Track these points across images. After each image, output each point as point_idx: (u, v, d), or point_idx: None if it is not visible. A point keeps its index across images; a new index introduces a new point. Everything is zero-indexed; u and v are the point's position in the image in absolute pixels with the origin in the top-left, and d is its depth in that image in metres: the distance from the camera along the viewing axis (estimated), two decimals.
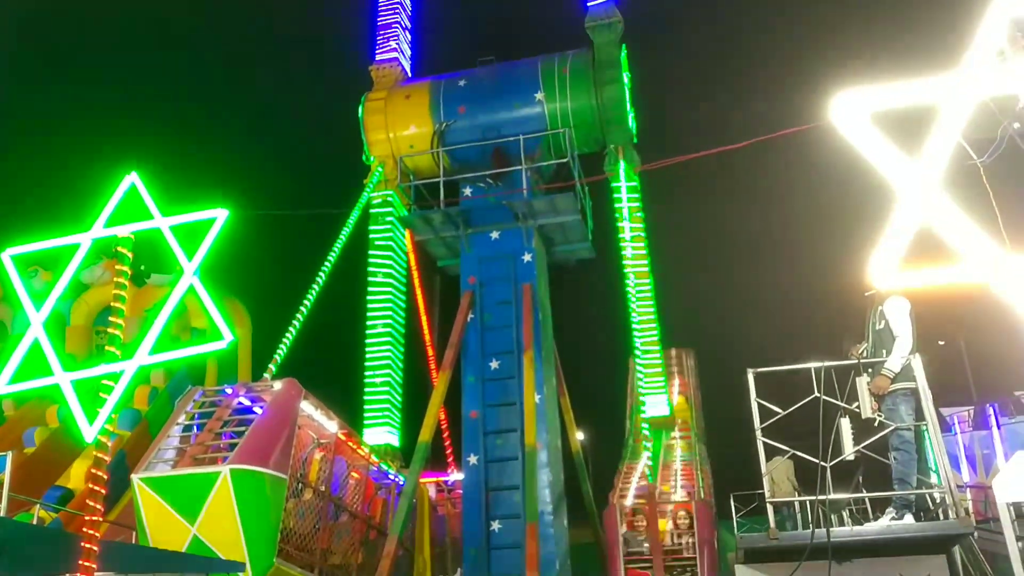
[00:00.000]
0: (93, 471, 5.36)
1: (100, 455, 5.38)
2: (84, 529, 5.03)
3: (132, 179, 6.21)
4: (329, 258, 12.93)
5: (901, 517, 7.90)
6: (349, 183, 15.27)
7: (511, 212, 13.38)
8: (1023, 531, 7.99)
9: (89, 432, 5.38)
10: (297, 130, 33.09)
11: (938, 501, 8.17)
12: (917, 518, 7.99)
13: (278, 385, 9.30)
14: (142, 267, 6.11)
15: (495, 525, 11.89)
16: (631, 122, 14.46)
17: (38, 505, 11.14)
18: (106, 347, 5.62)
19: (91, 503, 5.22)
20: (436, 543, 12.90)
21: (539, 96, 14.28)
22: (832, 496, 8.11)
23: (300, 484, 9.15)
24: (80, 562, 4.85)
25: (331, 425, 9.88)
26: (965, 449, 18.39)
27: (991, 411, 18.01)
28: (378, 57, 16.14)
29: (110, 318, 5.74)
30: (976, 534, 9.56)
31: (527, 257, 13.47)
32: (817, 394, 7.95)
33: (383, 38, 16.31)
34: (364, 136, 15.22)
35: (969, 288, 4.29)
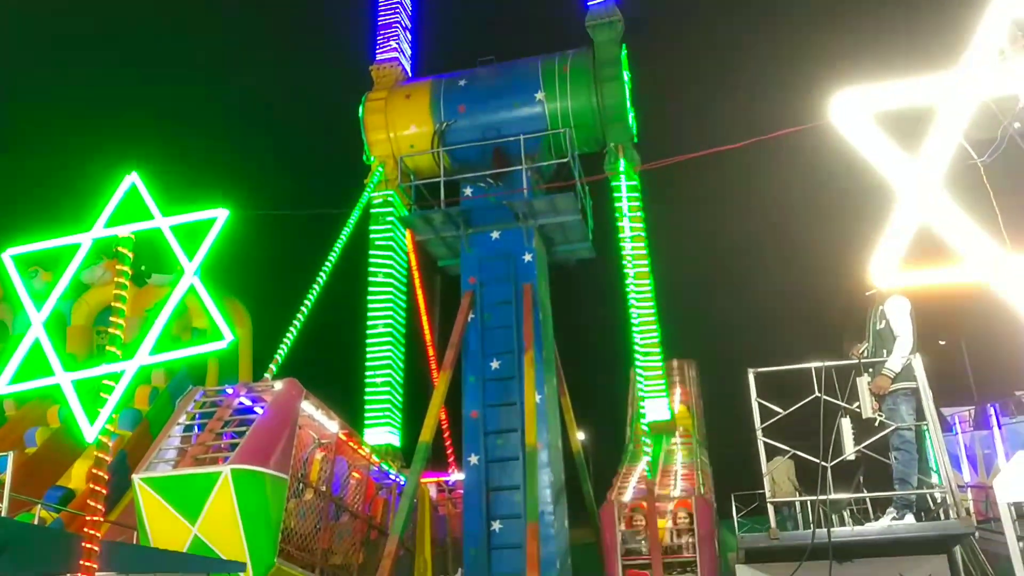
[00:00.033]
0: (94, 471, 5.36)
1: (101, 455, 5.38)
2: (85, 529, 5.03)
3: (132, 179, 6.21)
4: (330, 258, 12.93)
5: (902, 517, 7.90)
6: (349, 183, 15.29)
7: (511, 212, 13.39)
8: None
9: (90, 432, 5.38)
10: (297, 130, 33.11)
11: (939, 501, 8.17)
12: (918, 518, 7.99)
13: (279, 385, 9.30)
14: (143, 267, 6.12)
15: (496, 525, 11.89)
16: (631, 121, 14.46)
17: (39, 505, 11.14)
18: (107, 347, 5.62)
19: (92, 503, 5.22)
20: (437, 543, 12.91)
21: (539, 96, 14.28)
22: (833, 496, 8.11)
23: (301, 484, 9.15)
24: (81, 562, 4.86)
25: (332, 425, 9.89)
26: (966, 449, 18.40)
27: (992, 411, 18.02)
28: (378, 57, 16.15)
29: (111, 318, 5.74)
30: (977, 534, 9.57)
31: (527, 257, 13.48)
32: (818, 394, 7.95)
33: (383, 38, 16.32)
34: (364, 136, 15.23)
35: (970, 288, 4.29)
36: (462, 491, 13.00)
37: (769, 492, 8.21)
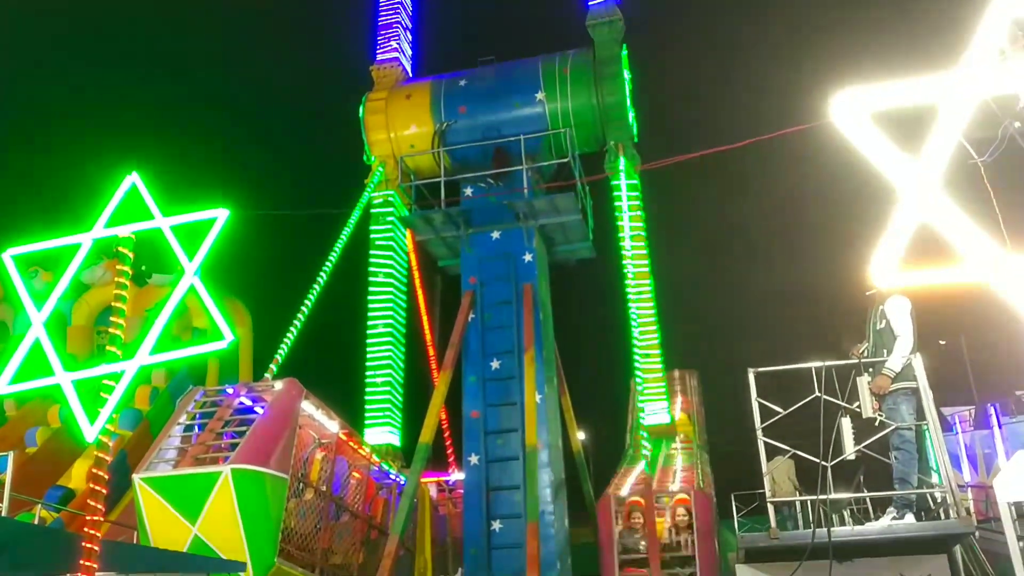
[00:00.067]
0: (94, 471, 5.36)
1: (101, 455, 5.39)
2: (85, 529, 5.03)
3: (133, 179, 6.22)
4: (330, 258, 12.93)
5: (902, 517, 7.90)
6: (350, 183, 15.29)
7: (512, 212, 13.39)
8: None
9: (90, 432, 5.39)
10: (298, 130, 33.13)
11: (939, 501, 8.17)
12: (918, 518, 7.99)
13: (279, 385, 9.30)
14: (143, 267, 6.14)
15: (496, 525, 11.89)
16: (631, 119, 14.46)
17: (39, 505, 11.15)
18: (107, 347, 5.62)
19: (92, 503, 5.23)
20: (437, 543, 12.91)
21: (540, 96, 14.28)
22: (833, 496, 8.11)
23: (301, 484, 9.15)
24: (81, 562, 4.86)
25: (332, 425, 9.89)
26: (966, 448, 18.39)
27: (992, 410, 18.01)
28: (379, 57, 16.15)
29: (111, 318, 5.74)
30: (977, 534, 9.57)
31: (528, 257, 13.48)
32: (818, 394, 7.95)
33: (384, 38, 16.32)
34: (365, 136, 15.23)
35: (970, 288, 4.29)
36: (462, 491, 13.00)
37: (769, 492, 8.21)
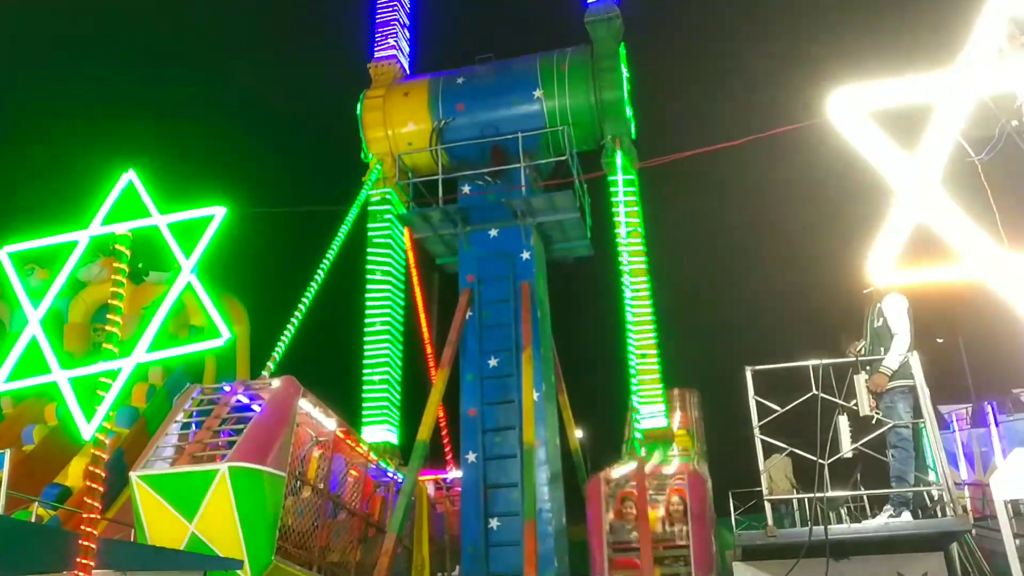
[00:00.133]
0: (91, 469, 5.35)
1: (98, 453, 5.38)
2: (82, 527, 5.03)
3: (130, 176, 6.21)
4: (327, 256, 12.92)
5: (899, 515, 7.92)
6: (348, 180, 15.27)
7: (510, 210, 13.38)
8: (1021, 528, 8.01)
9: (87, 430, 5.38)
10: (295, 127, 33.08)
11: (936, 499, 8.19)
12: (915, 516, 8.01)
13: (276, 383, 9.29)
14: (140, 264, 6.12)
15: (493, 523, 11.90)
16: (629, 114, 14.45)
17: (36, 503, 11.14)
18: (104, 345, 5.61)
19: (89, 501, 5.22)
20: (435, 540, 12.90)
21: (538, 93, 14.28)
22: (830, 494, 8.12)
23: (299, 482, 9.15)
24: (78, 560, 4.85)
25: (330, 423, 9.88)
26: (963, 447, 18.42)
27: (989, 409, 18.05)
28: (377, 55, 16.14)
29: (108, 315, 5.73)
30: (974, 531, 9.58)
31: (525, 255, 13.47)
32: (815, 392, 7.96)
33: (382, 36, 16.31)
34: (362, 133, 15.22)
35: (967, 286, 4.29)
36: (460, 489, 13.00)
37: (766, 490, 8.22)
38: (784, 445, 8.28)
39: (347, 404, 13.20)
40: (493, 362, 12.86)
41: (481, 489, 12.13)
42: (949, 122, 4.36)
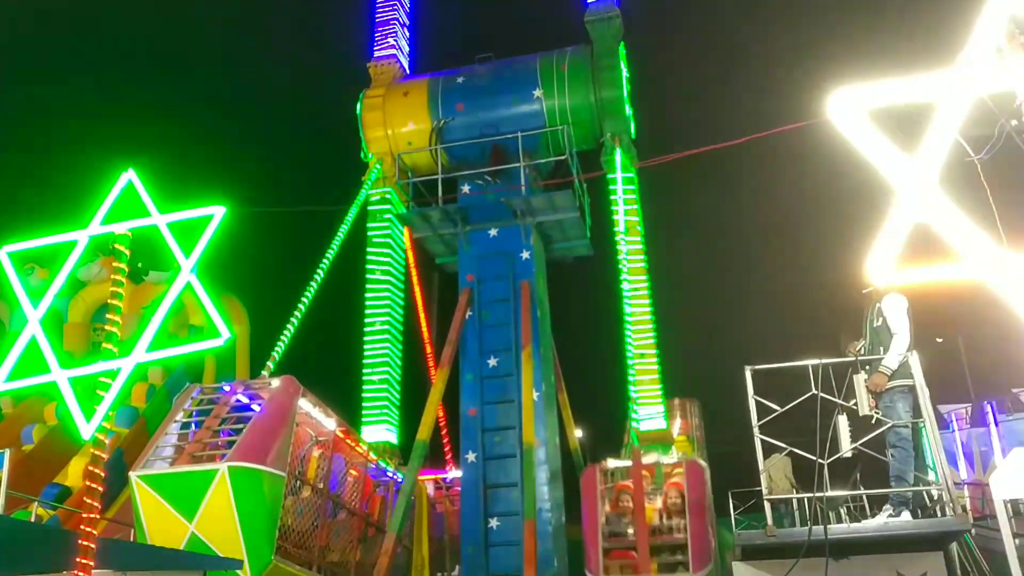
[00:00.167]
0: (91, 468, 5.35)
1: (98, 453, 5.37)
2: (82, 527, 5.02)
3: (129, 176, 6.20)
4: (327, 255, 12.91)
5: (898, 514, 7.92)
6: (347, 180, 15.27)
7: (509, 209, 13.38)
8: (1020, 528, 8.02)
9: (86, 429, 5.37)
10: (295, 127, 33.08)
11: (935, 498, 8.20)
12: (914, 515, 8.01)
13: (276, 382, 9.29)
14: (139, 264, 6.13)
15: (493, 522, 11.90)
16: (628, 112, 14.45)
17: (36, 503, 11.14)
18: (103, 344, 5.61)
19: (89, 501, 5.22)
20: (434, 540, 12.90)
21: (537, 93, 14.27)
22: (830, 493, 8.13)
23: (298, 481, 9.15)
24: (78, 559, 4.85)
25: (329, 423, 9.88)
26: (963, 446, 18.45)
27: (989, 408, 18.07)
28: (376, 54, 16.13)
29: (107, 315, 5.72)
30: (973, 531, 9.59)
31: (525, 254, 13.47)
32: (815, 391, 7.96)
33: (381, 35, 16.31)
34: (362, 133, 15.21)
35: (967, 285, 4.29)
36: (460, 488, 13.00)
37: (766, 489, 8.23)
38: (784, 445, 8.29)
39: (347, 404, 13.21)
40: (493, 362, 12.85)
41: (481, 489, 12.12)
42: (949, 122, 4.36)
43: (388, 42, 16.18)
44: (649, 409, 12.55)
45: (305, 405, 9.34)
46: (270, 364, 11.07)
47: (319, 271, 12.62)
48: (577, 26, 14.79)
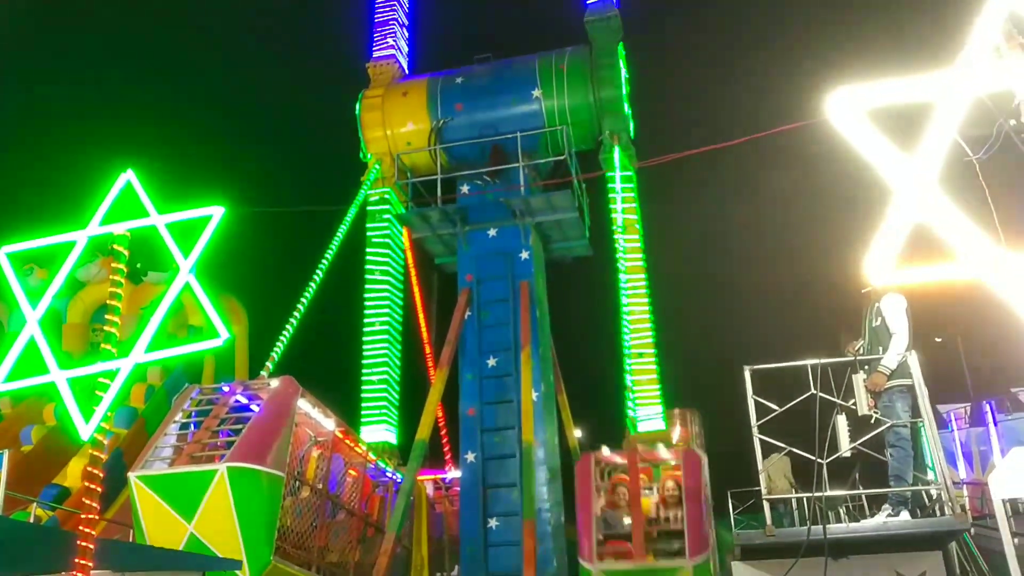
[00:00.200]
0: (89, 469, 5.34)
1: (96, 453, 5.37)
2: (81, 527, 5.02)
3: (128, 176, 6.20)
4: (326, 255, 12.90)
5: (897, 514, 7.93)
6: (346, 180, 15.27)
7: (508, 209, 13.39)
8: (1019, 527, 8.03)
9: (85, 430, 5.37)
10: (294, 127, 33.08)
11: (934, 498, 8.21)
12: (913, 515, 8.02)
13: (275, 383, 9.28)
14: (138, 265, 6.12)
15: (492, 522, 11.90)
16: (627, 110, 14.45)
17: (35, 503, 11.14)
18: (102, 345, 5.61)
19: (87, 501, 5.21)
20: (433, 540, 12.91)
21: (536, 93, 14.28)
22: (829, 493, 8.13)
23: (297, 482, 9.15)
24: (77, 560, 4.85)
25: (328, 423, 9.88)
26: (962, 446, 18.46)
27: (988, 408, 18.08)
28: (375, 54, 16.13)
29: (106, 316, 5.72)
30: (972, 530, 9.60)
31: (524, 254, 13.47)
32: (814, 391, 7.97)
33: (380, 35, 16.30)
34: (361, 133, 15.21)
35: (965, 285, 4.29)
36: (459, 489, 13.00)
37: (765, 489, 8.23)
38: (783, 445, 8.29)
39: (346, 404, 13.20)
40: (492, 362, 12.85)
41: (480, 489, 12.12)
42: (947, 121, 4.36)
43: (387, 42, 16.18)
44: (648, 410, 12.45)
45: (304, 405, 9.34)
46: (269, 364, 11.07)
47: (318, 271, 12.61)
48: (576, 26, 14.81)
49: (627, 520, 9.26)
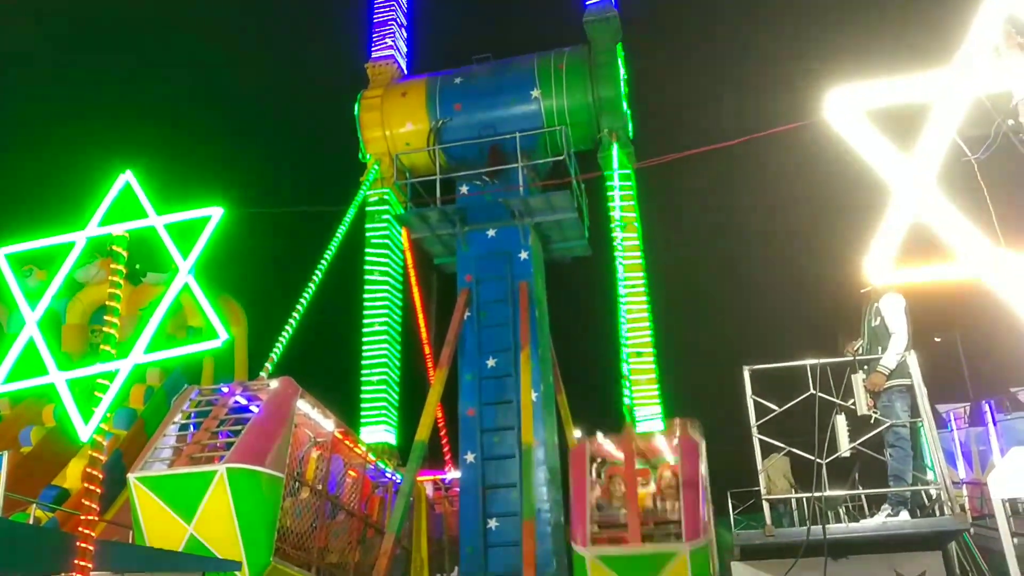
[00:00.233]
0: (89, 470, 5.34)
1: (96, 454, 5.37)
2: (80, 528, 5.02)
3: (127, 177, 6.20)
4: (325, 256, 12.89)
5: (897, 514, 7.93)
6: (345, 181, 15.27)
7: (507, 210, 13.38)
8: (1018, 527, 8.03)
9: (84, 431, 5.37)
10: (293, 127, 33.04)
11: (934, 498, 8.21)
12: (913, 515, 8.03)
13: (275, 384, 9.27)
14: (137, 266, 6.12)
15: (492, 523, 11.90)
16: (626, 107, 14.45)
17: (34, 505, 11.13)
18: (101, 346, 5.60)
19: (87, 502, 5.21)
20: (433, 541, 12.90)
21: (535, 93, 14.28)
22: (828, 493, 8.13)
23: (297, 483, 9.14)
24: (76, 561, 4.84)
25: (328, 424, 9.87)
26: (961, 445, 18.45)
27: (987, 407, 18.08)
28: (374, 54, 16.14)
29: (105, 317, 5.72)
30: (972, 530, 9.60)
31: (523, 255, 13.47)
32: (813, 391, 7.97)
33: (379, 35, 16.31)
34: (360, 134, 15.21)
35: (964, 285, 4.30)
36: (458, 489, 13.00)
37: (765, 489, 8.24)
38: (782, 445, 8.29)
39: (345, 405, 13.20)
40: (491, 362, 12.85)
41: (480, 489, 12.12)
42: (945, 121, 4.37)
43: (386, 42, 16.18)
44: (647, 410, 12.46)
45: (304, 406, 9.33)
46: (268, 365, 11.07)
47: (317, 272, 12.61)
48: (575, 27, 14.82)
49: (622, 511, 8.99)
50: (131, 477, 8.32)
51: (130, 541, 8.87)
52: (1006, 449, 9.96)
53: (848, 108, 4.44)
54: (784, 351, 8.49)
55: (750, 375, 8.43)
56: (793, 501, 11.02)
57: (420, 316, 16.81)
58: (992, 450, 17.16)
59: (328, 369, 16.04)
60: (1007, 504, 6.95)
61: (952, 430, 18.75)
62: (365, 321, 14.17)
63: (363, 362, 13.89)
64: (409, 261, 15.77)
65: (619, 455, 9.36)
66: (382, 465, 11.68)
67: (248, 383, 9.74)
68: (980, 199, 4.60)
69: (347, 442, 10.44)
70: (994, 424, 17.67)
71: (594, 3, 14.76)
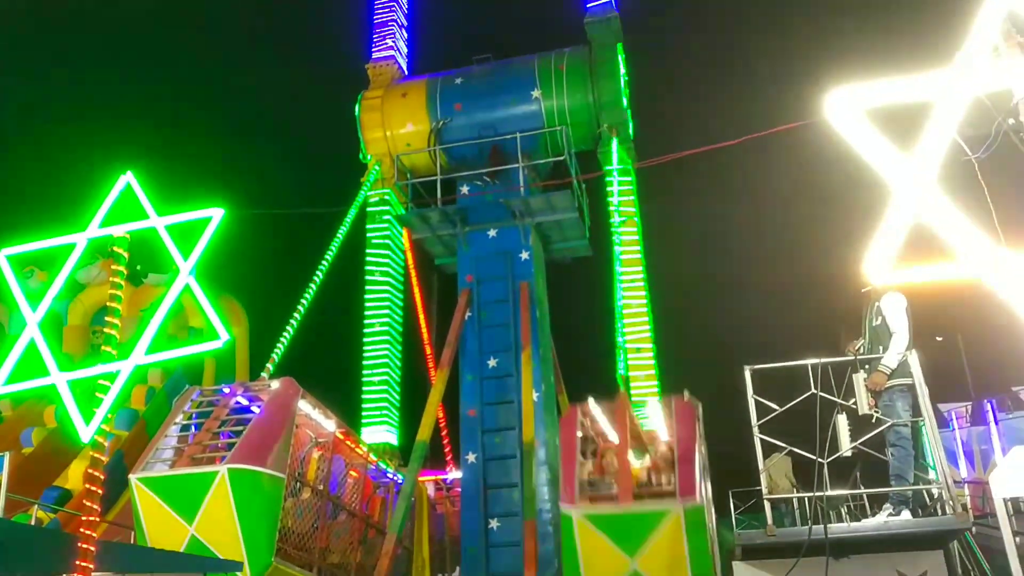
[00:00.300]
0: (90, 471, 5.34)
1: (97, 455, 5.37)
2: (82, 529, 5.02)
3: (128, 179, 6.21)
4: (326, 257, 12.90)
5: (898, 513, 7.93)
6: (346, 181, 15.28)
7: (508, 210, 13.39)
8: (1020, 526, 8.03)
9: (86, 432, 5.37)
10: (294, 128, 33.06)
11: (935, 497, 8.21)
12: (915, 514, 8.02)
13: (276, 384, 9.28)
14: (138, 267, 6.13)
15: (493, 523, 11.90)
16: (625, 104, 14.46)
17: (36, 505, 11.14)
18: (103, 347, 5.61)
19: (88, 503, 5.21)
20: (435, 541, 12.90)
21: (536, 93, 14.28)
22: (830, 492, 8.13)
23: (298, 483, 9.14)
24: (78, 562, 4.85)
25: (329, 424, 9.88)
26: (963, 445, 18.43)
27: (989, 407, 18.06)
28: (374, 55, 16.15)
29: (106, 318, 5.71)
30: (973, 529, 9.60)
31: (524, 255, 13.47)
32: (814, 391, 7.97)
33: (379, 36, 16.32)
34: (361, 134, 15.22)
35: (965, 284, 4.30)
36: (460, 489, 13.00)
37: (766, 489, 8.23)
38: (783, 444, 8.29)
39: (347, 405, 13.21)
40: (492, 362, 12.85)
41: (481, 490, 12.12)
42: (946, 121, 4.37)
43: (386, 43, 16.19)
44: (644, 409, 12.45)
45: (305, 407, 9.34)
46: (269, 366, 11.07)
47: (318, 272, 12.61)
48: (575, 27, 14.82)
49: (614, 488, 8.50)
50: (132, 478, 8.32)
51: (131, 542, 8.88)
52: (1008, 448, 9.96)
53: (849, 108, 4.44)
54: (785, 351, 8.49)
55: (751, 375, 8.43)
56: (795, 501, 11.02)
57: (421, 316, 16.81)
58: (994, 449, 17.15)
59: (329, 369, 16.05)
60: (1009, 503, 6.94)
61: (954, 429, 18.73)
62: (366, 322, 14.18)
63: (364, 362, 13.90)
64: (410, 261, 15.78)
65: (612, 432, 8.97)
66: (383, 465, 11.68)
67: (249, 384, 9.74)
68: (980, 198, 4.60)
69: (348, 442, 10.44)
70: (996, 423, 17.65)
71: (595, 4, 14.77)
